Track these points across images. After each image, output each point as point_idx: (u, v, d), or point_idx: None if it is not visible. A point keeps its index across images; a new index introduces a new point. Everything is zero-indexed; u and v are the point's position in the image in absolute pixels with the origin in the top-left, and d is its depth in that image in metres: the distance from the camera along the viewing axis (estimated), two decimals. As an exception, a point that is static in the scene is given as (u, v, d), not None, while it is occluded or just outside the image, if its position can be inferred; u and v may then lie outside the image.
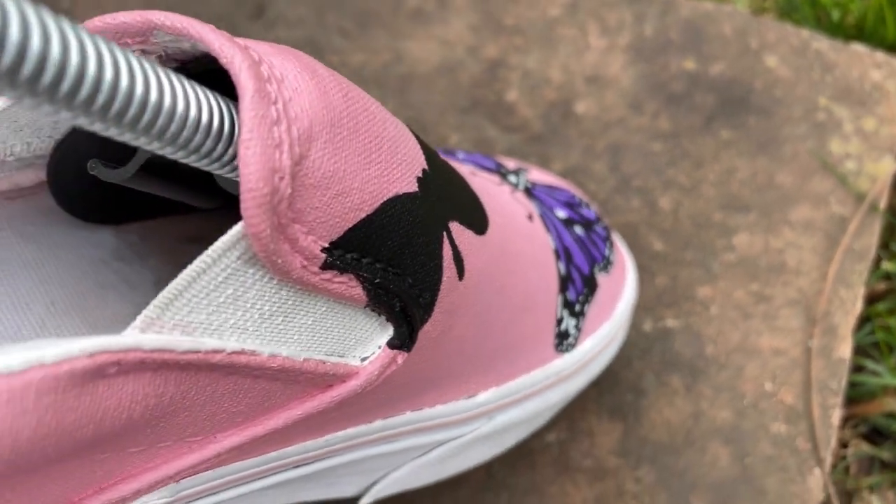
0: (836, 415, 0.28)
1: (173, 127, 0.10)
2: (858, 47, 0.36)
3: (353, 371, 0.14)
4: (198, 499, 0.16)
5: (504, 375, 0.19)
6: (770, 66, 0.35)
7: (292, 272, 0.12)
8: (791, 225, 0.32)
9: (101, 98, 0.09)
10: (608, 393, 0.28)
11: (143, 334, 0.11)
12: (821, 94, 0.35)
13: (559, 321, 0.21)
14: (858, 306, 0.30)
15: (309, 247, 0.12)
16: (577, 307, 0.22)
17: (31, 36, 0.08)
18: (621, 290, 0.25)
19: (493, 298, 0.17)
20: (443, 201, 0.15)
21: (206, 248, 0.19)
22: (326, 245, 0.12)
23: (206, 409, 0.13)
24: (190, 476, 0.14)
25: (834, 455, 0.28)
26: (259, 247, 0.11)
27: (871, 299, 0.31)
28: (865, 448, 0.30)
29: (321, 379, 0.14)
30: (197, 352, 0.11)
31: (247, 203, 0.10)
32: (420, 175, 0.14)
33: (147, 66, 0.10)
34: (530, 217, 0.21)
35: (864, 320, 0.31)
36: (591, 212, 0.25)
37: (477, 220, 0.17)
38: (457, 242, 0.15)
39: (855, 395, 0.30)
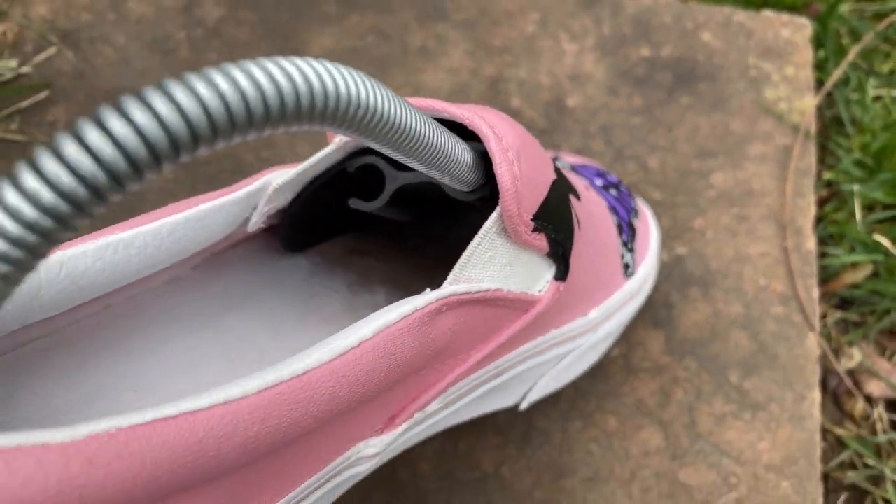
0: (815, 293, 0.38)
1: (455, 166, 0.18)
2: (768, 13, 0.45)
3: (538, 299, 0.22)
4: (441, 411, 0.23)
5: (602, 298, 0.28)
6: (706, 41, 0.45)
7: (522, 235, 0.20)
8: (750, 159, 0.41)
9: (426, 150, 0.17)
10: (648, 311, 0.37)
11: (451, 286, 0.19)
12: (749, 55, 0.44)
13: (622, 257, 0.30)
14: (813, 210, 0.40)
15: (526, 219, 0.20)
16: (629, 245, 0.31)
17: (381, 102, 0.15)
18: (649, 229, 0.33)
19: (591, 244, 0.26)
20: (561, 179, 0.23)
21: (366, 258, 0.27)
22: (532, 217, 0.20)
23: (473, 331, 0.20)
24: (451, 387, 0.22)
25: (820, 323, 0.38)
26: (509, 223, 0.19)
27: (821, 203, 0.41)
28: (839, 315, 0.39)
29: (522, 305, 0.22)
30: (479, 292, 0.19)
31: (505, 197, 0.19)
32: (553, 166, 0.23)
33: (442, 130, 0.18)
34: (587, 187, 0.29)
35: (819, 219, 0.40)
36: (613, 177, 0.34)
37: (573, 191, 0.25)
38: (573, 206, 0.24)
39: (825, 276, 0.40)
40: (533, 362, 0.26)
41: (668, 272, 0.38)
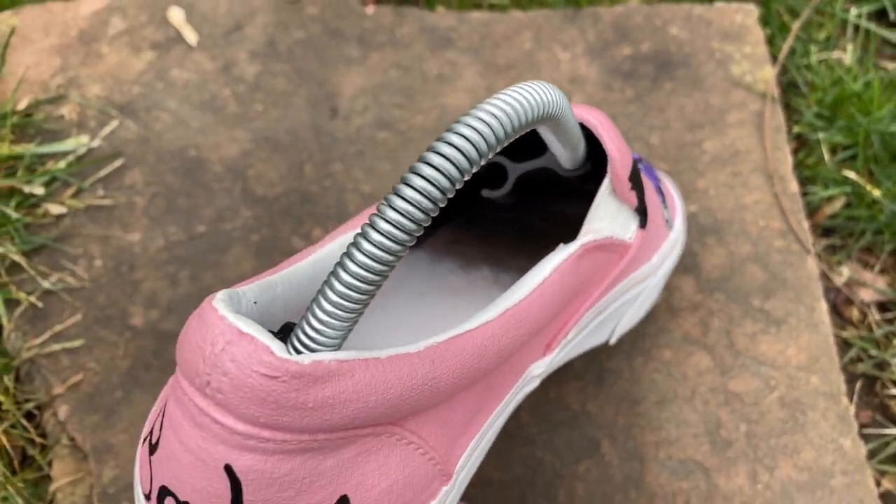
0: (805, 224, 0.46)
1: (580, 143, 0.25)
2: (720, 3, 0.54)
3: (630, 244, 0.29)
4: (571, 342, 0.30)
5: (657, 245, 0.35)
6: (675, 34, 0.53)
7: (624, 192, 0.27)
8: (731, 126, 0.49)
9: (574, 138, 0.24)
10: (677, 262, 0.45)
11: (584, 237, 0.26)
12: (711, 40, 0.53)
13: (663, 213, 0.37)
14: (790, 159, 0.48)
15: (625, 179, 0.27)
16: (665, 205, 0.38)
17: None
18: (671, 192, 0.41)
19: (650, 201, 0.33)
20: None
21: (460, 245, 0.34)
22: (628, 178, 0.27)
23: (594, 273, 0.27)
24: (579, 321, 0.29)
25: (815, 248, 0.46)
26: (616, 183, 0.26)
27: (795, 152, 0.49)
28: (825, 241, 0.48)
29: (622, 249, 0.28)
30: (602, 238, 0.26)
31: (614, 164, 0.26)
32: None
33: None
34: (628, 161, 0.37)
35: (795, 166, 0.49)
36: (636, 155, 0.42)
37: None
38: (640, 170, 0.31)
39: (809, 211, 0.48)
40: (618, 303, 0.33)
41: (687, 227, 0.46)
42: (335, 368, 0.17)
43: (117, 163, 0.48)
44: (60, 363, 0.42)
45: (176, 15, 0.54)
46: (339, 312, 0.17)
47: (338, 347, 0.17)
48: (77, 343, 0.42)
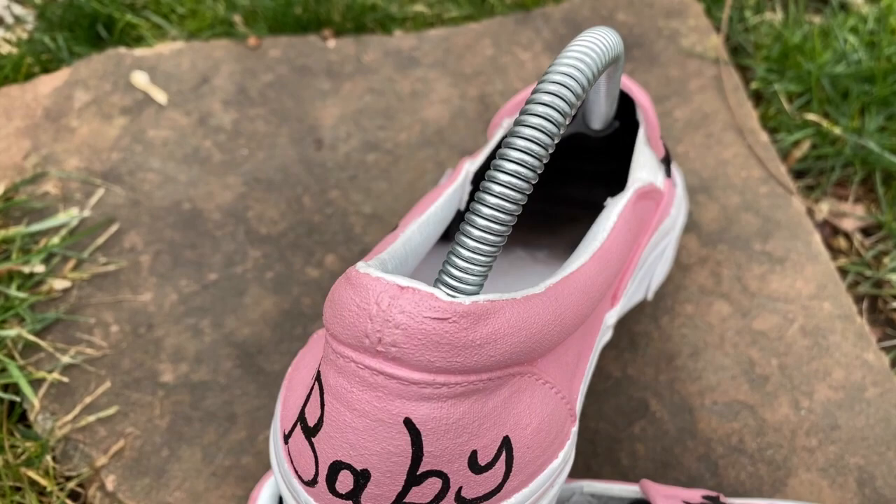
0: (782, 168, 0.49)
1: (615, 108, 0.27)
2: (656, -13, 0.58)
3: (662, 192, 0.31)
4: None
5: (672, 199, 0.37)
6: (623, 20, 0.56)
7: (657, 141, 0.29)
8: (694, 93, 0.52)
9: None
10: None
11: (634, 185, 0.27)
12: (657, 20, 0.56)
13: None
14: (754, 113, 0.51)
15: (657, 127, 0.29)
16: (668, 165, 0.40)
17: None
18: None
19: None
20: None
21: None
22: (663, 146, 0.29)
23: (641, 222, 0.29)
24: (633, 272, 0.30)
25: (788, 163, 0.49)
26: (651, 133, 0.28)
27: (757, 106, 0.53)
28: (800, 183, 0.51)
29: (657, 196, 0.30)
30: (647, 186, 0.28)
31: (648, 114, 0.27)
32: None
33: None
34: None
35: (760, 118, 0.52)
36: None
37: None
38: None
39: (783, 157, 0.51)
40: (652, 256, 0.35)
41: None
42: (489, 307, 0.18)
43: (113, 228, 0.48)
44: (98, 434, 0.41)
45: (140, 78, 0.54)
46: (478, 257, 0.18)
47: (478, 293, 0.18)
48: (111, 411, 0.41)
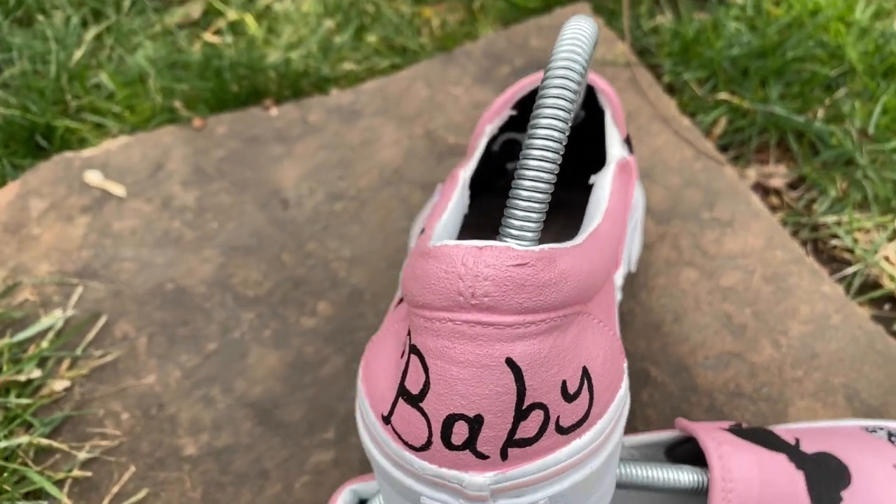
0: (709, 146, 0.54)
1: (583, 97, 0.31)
2: (558, 10, 0.63)
3: (631, 166, 0.35)
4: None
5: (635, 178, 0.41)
6: (535, 45, 0.61)
7: (620, 120, 0.32)
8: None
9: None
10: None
11: (613, 159, 0.31)
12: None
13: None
14: (672, 102, 0.57)
15: (621, 107, 0.33)
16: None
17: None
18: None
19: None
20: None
21: (485, 234, 0.39)
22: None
23: (624, 193, 0.32)
24: (624, 238, 0.34)
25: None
26: (615, 113, 0.32)
27: (672, 96, 0.59)
28: (726, 155, 0.56)
29: (629, 170, 0.34)
30: (622, 160, 0.32)
31: (612, 98, 0.31)
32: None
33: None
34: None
35: (678, 106, 0.58)
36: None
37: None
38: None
39: (705, 136, 0.56)
40: (629, 230, 0.39)
41: (623, 181, 0.53)
42: (554, 252, 0.21)
43: (101, 322, 0.48)
44: (132, 521, 0.41)
45: (93, 176, 0.55)
46: (534, 205, 0.20)
47: (537, 242, 0.21)
48: (142, 494, 0.41)
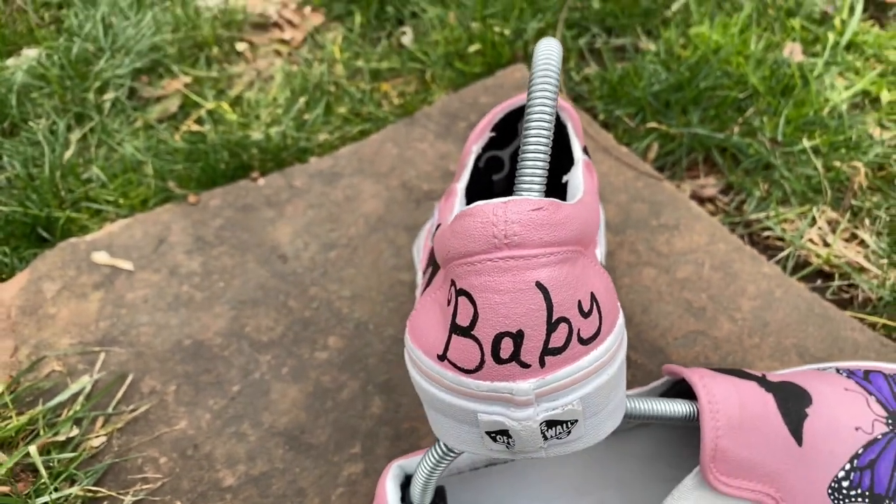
0: (647, 167, 0.63)
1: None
2: (500, 72, 0.72)
3: (589, 163, 0.42)
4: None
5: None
6: (485, 101, 0.70)
7: (580, 131, 0.40)
8: (562, 135, 0.66)
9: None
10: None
11: (580, 159, 0.38)
12: (511, 93, 0.70)
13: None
14: (610, 135, 0.65)
15: (579, 121, 0.40)
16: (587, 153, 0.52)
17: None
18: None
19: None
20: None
21: None
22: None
23: (593, 188, 0.39)
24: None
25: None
26: (576, 126, 0.39)
27: (609, 131, 0.67)
28: (664, 174, 0.65)
29: (592, 168, 0.41)
30: (586, 158, 0.39)
31: (571, 113, 0.39)
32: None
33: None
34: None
35: (616, 138, 0.66)
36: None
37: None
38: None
39: (641, 156, 0.65)
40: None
41: (580, 203, 0.60)
42: (557, 202, 0.27)
43: (127, 381, 0.52)
44: (184, 550, 0.44)
45: (101, 257, 0.60)
46: (538, 163, 0.27)
47: (544, 195, 0.27)
48: (190, 525, 0.44)
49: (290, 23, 0.86)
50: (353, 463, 0.47)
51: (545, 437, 0.27)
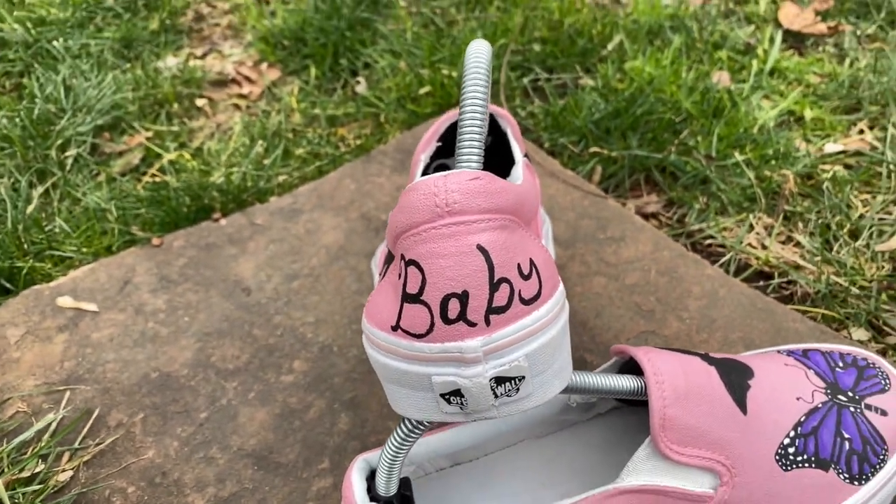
0: (593, 187, 0.66)
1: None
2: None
3: (534, 172, 0.45)
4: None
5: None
6: (438, 137, 0.73)
7: (519, 137, 0.43)
8: (511, 163, 0.69)
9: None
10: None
11: (520, 160, 0.41)
12: (462, 129, 0.74)
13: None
14: (556, 161, 0.69)
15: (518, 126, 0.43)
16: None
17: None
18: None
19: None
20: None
21: None
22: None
23: (532, 187, 0.42)
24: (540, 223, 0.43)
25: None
26: (515, 131, 0.42)
27: (556, 158, 0.71)
28: (611, 195, 0.68)
29: (532, 170, 0.44)
30: (525, 161, 0.42)
31: (511, 120, 0.42)
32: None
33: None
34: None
35: (562, 164, 0.70)
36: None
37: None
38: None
39: (586, 179, 0.68)
40: (543, 230, 0.48)
41: (531, 223, 0.63)
42: (493, 175, 0.30)
43: (93, 416, 0.52)
44: (155, 574, 0.44)
45: (65, 301, 0.60)
46: (474, 139, 0.29)
47: (482, 168, 0.30)
48: (160, 548, 0.44)
49: (248, 79, 0.89)
50: (322, 478, 0.47)
51: (496, 395, 0.29)
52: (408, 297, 0.29)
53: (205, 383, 0.53)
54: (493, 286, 0.28)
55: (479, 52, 0.32)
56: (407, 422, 0.33)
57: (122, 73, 0.88)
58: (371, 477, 0.38)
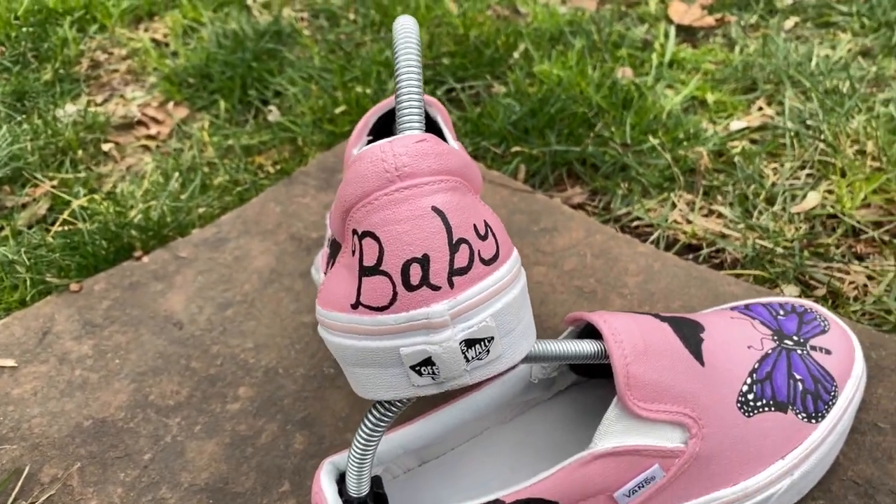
0: (558, 201, 0.67)
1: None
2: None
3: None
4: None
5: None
6: (360, 153, 0.73)
7: (453, 134, 0.43)
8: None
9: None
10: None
11: (456, 143, 0.41)
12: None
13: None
14: (522, 170, 0.70)
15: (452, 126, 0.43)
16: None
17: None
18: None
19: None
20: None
21: None
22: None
23: (471, 173, 0.42)
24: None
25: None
26: (450, 128, 0.42)
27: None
28: (577, 201, 0.69)
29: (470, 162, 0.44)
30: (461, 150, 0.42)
31: (445, 116, 0.42)
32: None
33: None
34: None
35: (527, 177, 0.70)
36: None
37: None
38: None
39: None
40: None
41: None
42: (437, 138, 0.29)
43: (24, 474, 0.48)
44: None
45: (-22, 360, 0.56)
46: (413, 103, 0.29)
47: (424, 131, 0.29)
48: None
49: (155, 119, 0.86)
50: (284, 501, 0.45)
51: (467, 359, 0.29)
52: (365, 271, 0.28)
53: (145, 423, 0.50)
54: (453, 247, 0.28)
55: (406, 25, 0.32)
56: (374, 411, 0.32)
57: (18, 126, 0.83)
58: (341, 480, 0.36)
